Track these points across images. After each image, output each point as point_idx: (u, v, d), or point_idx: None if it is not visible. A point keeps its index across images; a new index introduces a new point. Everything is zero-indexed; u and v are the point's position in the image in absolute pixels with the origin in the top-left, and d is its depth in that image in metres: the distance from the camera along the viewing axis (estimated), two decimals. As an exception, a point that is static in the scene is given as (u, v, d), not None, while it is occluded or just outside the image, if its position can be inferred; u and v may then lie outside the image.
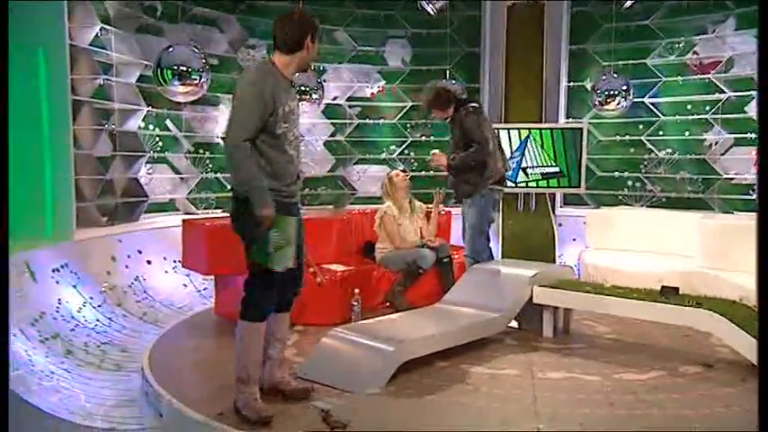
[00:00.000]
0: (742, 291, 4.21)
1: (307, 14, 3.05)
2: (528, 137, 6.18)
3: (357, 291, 4.67)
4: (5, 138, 2.64)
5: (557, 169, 6.17)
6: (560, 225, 6.68)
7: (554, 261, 5.86)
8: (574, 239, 6.58)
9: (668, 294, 3.94)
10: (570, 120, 6.81)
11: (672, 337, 4.32)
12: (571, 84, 6.89)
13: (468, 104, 4.85)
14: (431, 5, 6.46)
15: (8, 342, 2.35)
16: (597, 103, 6.34)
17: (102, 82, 5.28)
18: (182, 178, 6.31)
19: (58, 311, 4.35)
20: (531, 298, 4.29)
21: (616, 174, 6.81)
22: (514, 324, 4.47)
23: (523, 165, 6.19)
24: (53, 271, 4.52)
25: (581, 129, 6.10)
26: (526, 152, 6.18)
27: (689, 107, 6.52)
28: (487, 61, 6.97)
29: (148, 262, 5.46)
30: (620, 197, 6.79)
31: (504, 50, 6.74)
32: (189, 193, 6.31)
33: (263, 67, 3.05)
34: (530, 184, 6.23)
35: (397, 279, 5.00)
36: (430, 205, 5.48)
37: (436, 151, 4.90)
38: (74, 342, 4.21)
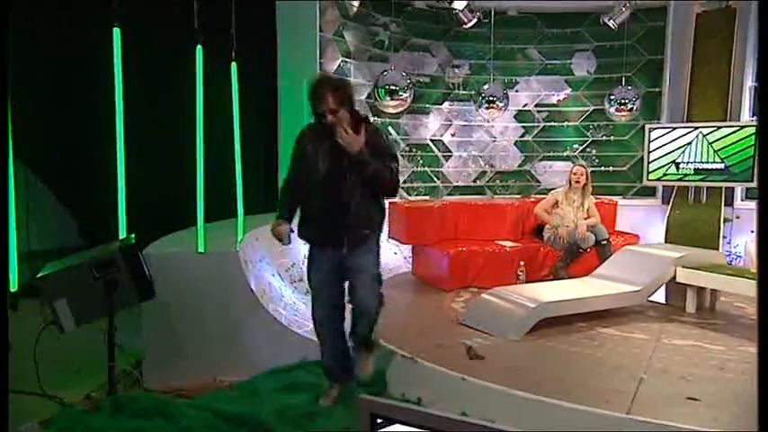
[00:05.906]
0: None
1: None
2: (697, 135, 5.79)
3: (522, 263, 4.94)
4: (5, 139, 2.47)
5: (718, 166, 5.67)
6: (737, 217, 6.12)
7: (717, 249, 5.45)
8: (752, 231, 5.98)
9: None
10: (753, 118, 6.16)
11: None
12: (756, 84, 6.22)
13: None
14: (611, 21, 6.34)
15: (8, 341, 2.27)
16: None
17: (341, 100, 6.12)
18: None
19: (303, 264, 5.23)
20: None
21: (803, 169, 6.00)
22: (662, 300, 4.40)
23: (678, 160, 5.80)
24: (302, 235, 5.46)
25: (753, 126, 5.53)
26: (687, 149, 5.77)
27: None
28: (669, 67, 6.60)
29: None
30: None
31: (691, 55, 6.35)
32: (403, 183, 6.96)
33: None
34: (686, 178, 5.81)
35: (560, 256, 5.16)
36: (602, 197, 5.48)
37: None
38: (314, 285, 5.10)
